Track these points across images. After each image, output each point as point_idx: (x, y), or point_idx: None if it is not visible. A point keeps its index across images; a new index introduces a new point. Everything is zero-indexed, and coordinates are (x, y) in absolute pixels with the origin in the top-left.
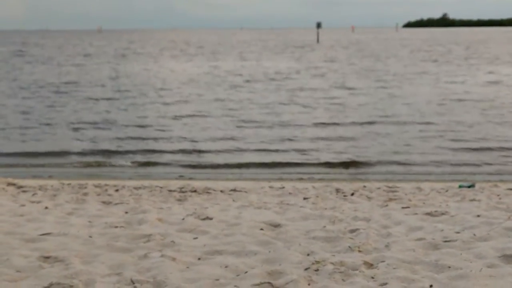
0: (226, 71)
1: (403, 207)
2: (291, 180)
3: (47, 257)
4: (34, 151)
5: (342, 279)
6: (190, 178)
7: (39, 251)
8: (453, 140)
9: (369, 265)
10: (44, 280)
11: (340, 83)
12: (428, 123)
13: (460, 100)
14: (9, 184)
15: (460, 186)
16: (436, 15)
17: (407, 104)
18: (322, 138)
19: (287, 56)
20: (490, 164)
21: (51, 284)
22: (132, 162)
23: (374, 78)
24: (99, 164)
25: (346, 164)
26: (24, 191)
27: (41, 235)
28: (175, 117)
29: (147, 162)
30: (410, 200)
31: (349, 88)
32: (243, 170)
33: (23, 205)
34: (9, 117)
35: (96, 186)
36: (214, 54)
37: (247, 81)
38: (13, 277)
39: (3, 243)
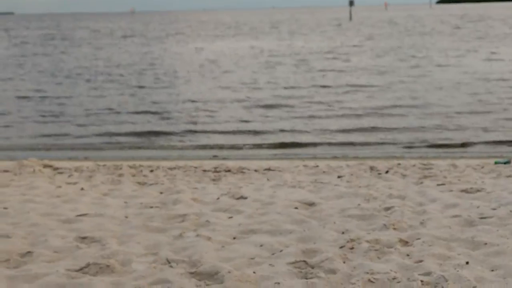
0: (265, 50)
1: (438, 184)
2: (325, 158)
3: (84, 238)
4: (70, 134)
5: (378, 257)
6: (224, 158)
7: (76, 231)
8: (488, 116)
9: (405, 243)
10: (81, 260)
11: (373, 62)
12: (464, 100)
13: (498, 78)
14: (45, 166)
15: (496, 163)
16: None
17: (442, 83)
18: (354, 117)
19: (321, 35)
20: None
21: (88, 264)
22: (167, 143)
23: (408, 57)
24: (133, 146)
25: (379, 143)
26: (60, 173)
27: (77, 216)
28: (213, 99)
29: (182, 142)
30: (445, 177)
31: (382, 66)
32: (277, 150)
33: (59, 187)
34: (47, 101)
35: (131, 167)
36: (254, 34)
37: (281, 62)
38: (51, 257)
39: (41, 224)
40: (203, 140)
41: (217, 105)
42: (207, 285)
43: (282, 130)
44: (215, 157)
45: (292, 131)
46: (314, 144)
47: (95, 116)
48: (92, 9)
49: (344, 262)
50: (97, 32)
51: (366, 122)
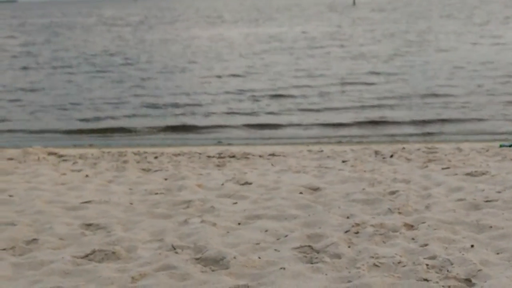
0: (265, 35)
1: (443, 168)
2: (330, 143)
3: (89, 225)
4: (75, 122)
5: (383, 241)
6: (229, 144)
7: (81, 219)
8: (492, 99)
9: (410, 227)
10: (86, 247)
11: (376, 48)
12: (468, 84)
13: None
14: (50, 153)
15: (501, 146)
16: None
17: (447, 66)
18: (358, 103)
19: (324, 21)
20: None
21: (93, 251)
22: (170, 130)
23: (411, 42)
24: (138, 133)
25: (382, 127)
26: (64, 160)
27: (82, 203)
28: (216, 86)
29: (186, 129)
30: (450, 160)
31: (384, 53)
32: (282, 135)
33: (64, 174)
34: (49, 91)
35: (135, 153)
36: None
37: (283, 47)
38: (57, 244)
39: (46, 212)
40: (208, 128)
41: (222, 93)
42: (212, 270)
43: (285, 120)
44: (219, 143)
45: (295, 119)
46: (318, 136)
47: (98, 107)
48: None
49: (349, 247)
50: (102, 20)
51: (370, 110)
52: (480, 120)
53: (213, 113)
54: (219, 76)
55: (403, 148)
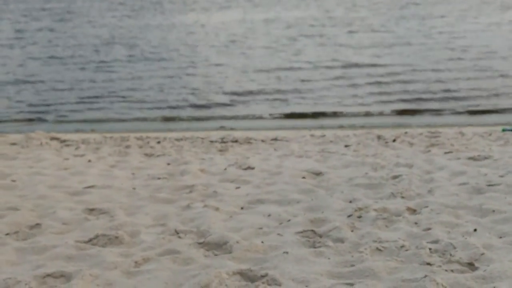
0: (262, 20)
1: (445, 152)
2: (332, 128)
3: (92, 210)
4: (79, 106)
5: (386, 225)
6: (231, 129)
7: (84, 203)
8: (496, 83)
9: (412, 211)
10: (90, 231)
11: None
12: (470, 67)
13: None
14: (52, 138)
15: (503, 130)
16: None
17: (450, 49)
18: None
19: (320, 5)
20: None
21: (96, 236)
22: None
23: (411, 24)
24: (140, 118)
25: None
26: (67, 145)
27: (85, 188)
28: (216, 69)
29: (187, 114)
30: (452, 145)
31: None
32: (284, 119)
33: (66, 159)
34: (50, 79)
35: (138, 138)
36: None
37: (290, 35)
38: (60, 229)
39: (49, 197)
40: (210, 111)
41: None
42: (215, 255)
43: (288, 101)
44: (222, 127)
45: (298, 102)
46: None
47: (100, 92)
48: None
49: (352, 231)
50: (108, 4)
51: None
52: (483, 103)
53: (217, 98)
54: (214, 57)
55: (406, 132)
